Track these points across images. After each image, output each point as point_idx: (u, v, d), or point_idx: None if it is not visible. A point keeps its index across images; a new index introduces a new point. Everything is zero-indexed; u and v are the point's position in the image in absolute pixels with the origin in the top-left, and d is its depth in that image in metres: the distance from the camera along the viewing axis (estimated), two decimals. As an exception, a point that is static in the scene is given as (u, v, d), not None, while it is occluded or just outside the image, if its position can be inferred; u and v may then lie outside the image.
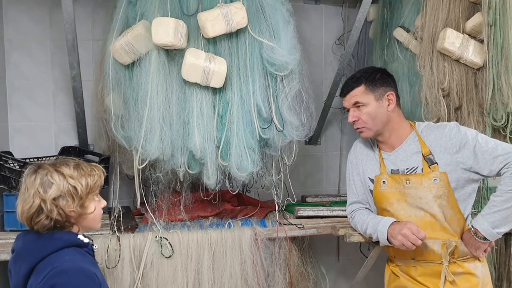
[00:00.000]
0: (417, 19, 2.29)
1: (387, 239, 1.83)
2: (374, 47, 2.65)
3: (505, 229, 1.76)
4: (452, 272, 1.82)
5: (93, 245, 1.49)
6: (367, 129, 1.91)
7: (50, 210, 1.36)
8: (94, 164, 1.50)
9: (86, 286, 1.31)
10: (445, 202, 1.82)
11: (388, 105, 1.90)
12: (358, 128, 1.93)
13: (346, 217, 2.30)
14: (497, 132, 2.09)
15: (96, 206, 1.47)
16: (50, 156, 2.37)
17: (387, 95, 1.90)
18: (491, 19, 2.00)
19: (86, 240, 1.44)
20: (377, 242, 1.92)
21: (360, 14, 2.34)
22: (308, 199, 2.71)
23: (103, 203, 1.50)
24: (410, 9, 2.39)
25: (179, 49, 1.97)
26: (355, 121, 1.92)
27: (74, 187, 1.39)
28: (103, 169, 1.51)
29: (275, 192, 2.22)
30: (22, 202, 1.39)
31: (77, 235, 1.42)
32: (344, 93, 1.96)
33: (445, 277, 1.81)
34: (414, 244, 1.74)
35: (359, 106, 1.91)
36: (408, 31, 2.37)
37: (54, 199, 1.36)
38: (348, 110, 1.96)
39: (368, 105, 1.89)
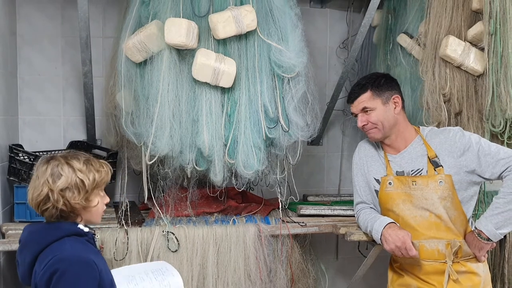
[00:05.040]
0: (421, 25, 2.35)
1: (380, 239, 1.90)
2: (377, 52, 2.71)
3: (507, 230, 1.84)
4: (456, 271, 1.89)
5: (94, 234, 1.55)
6: (376, 132, 1.98)
7: (57, 200, 1.43)
8: (103, 161, 1.56)
9: (85, 273, 1.38)
10: (449, 203, 1.89)
11: (395, 108, 1.98)
12: (368, 131, 2.00)
13: (347, 216, 2.38)
14: (495, 138, 2.15)
15: (99, 200, 1.53)
16: (59, 150, 2.42)
17: (393, 98, 1.98)
18: (492, 28, 2.06)
19: (86, 229, 1.50)
20: (378, 241, 1.99)
21: (365, 19, 2.41)
22: (310, 198, 2.77)
23: (107, 199, 1.57)
24: (414, 15, 2.44)
25: (190, 49, 2.02)
26: (364, 125, 1.99)
27: (82, 181, 1.45)
28: (111, 167, 1.57)
29: (278, 190, 2.28)
30: (32, 189, 1.47)
31: (78, 224, 1.49)
32: (351, 99, 2.03)
33: (449, 276, 1.88)
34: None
35: (367, 111, 1.97)
36: (411, 37, 2.43)
37: (61, 190, 1.43)
38: (356, 116, 2.03)
39: (376, 109, 1.96)
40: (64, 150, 2.42)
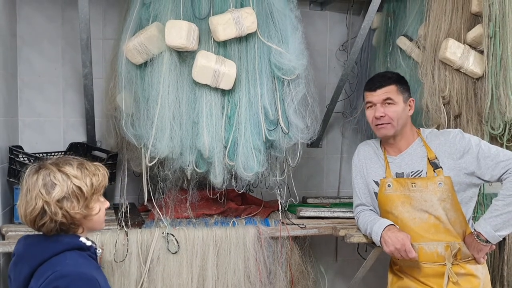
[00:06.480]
0: (420, 28, 2.36)
1: (380, 241, 1.91)
2: (377, 54, 2.72)
3: (506, 232, 1.84)
4: (455, 273, 1.89)
5: (96, 248, 1.43)
6: (390, 128, 1.95)
7: (55, 213, 1.30)
8: (98, 163, 1.44)
9: None
10: (448, 205, 1.90)
11: (409, 110, 1.99)
12: (381, 124, 1.95)
13: (347, 218, 2.38)
14: (494, 140, 2.16)
15: (100, 207, 1.41)
16: (59, 152, 2.42)
17: (410, 101, 2.00)
18: (491, 31, 2.07)
19: (88, 243, 1.39)
20: (378, 243, 1.99)
21: (365, 22, 2.41)
22: (309, 200, 2.77)
23: (107, 204, 1.45)
24: (413, 18, 2.46)
25: (190, 51, 2.02)
26: (381, 116, 1.94)
27: (79, 188, 1.33)
28: (106, 169, 1.45)
29: (278, 192, 2.28)
30: (24, 205, 1.33)
31: (80, 237, 1.38)
32: (375, 87, 1.97)
33: (448, 278, 1.88)
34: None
35: (388, 103, 1.94)
36: (411, 39, 2.44)
37: (58, 200, 1.31)
38: (371, 106, 1.98)
39: (397, 104, 1.95)
40: (63, 152, 2.42)
